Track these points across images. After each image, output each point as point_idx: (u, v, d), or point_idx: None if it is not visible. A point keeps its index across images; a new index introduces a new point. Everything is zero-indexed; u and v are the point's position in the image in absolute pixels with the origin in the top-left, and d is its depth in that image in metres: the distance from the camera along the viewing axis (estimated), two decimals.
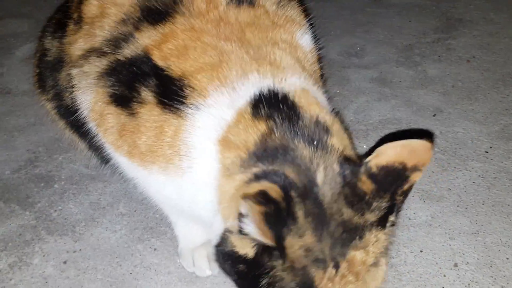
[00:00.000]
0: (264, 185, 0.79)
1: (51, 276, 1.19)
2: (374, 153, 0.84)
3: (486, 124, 1.53)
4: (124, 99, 0.96)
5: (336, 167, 0.83)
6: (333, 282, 0.80)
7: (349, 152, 0.88)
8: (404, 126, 1.54)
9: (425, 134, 0.82)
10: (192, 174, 0.92)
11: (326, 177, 0.82)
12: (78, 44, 1.07)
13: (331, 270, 0.79)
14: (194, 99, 0.90)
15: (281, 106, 0.87)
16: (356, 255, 0.81)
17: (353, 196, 0.82)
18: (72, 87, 1.08)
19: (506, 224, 1.21)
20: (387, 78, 1.76)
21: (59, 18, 1.20)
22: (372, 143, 1.49)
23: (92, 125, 1.07)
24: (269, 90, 0.88)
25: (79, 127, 1.14)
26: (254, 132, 0.85)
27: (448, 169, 1.38)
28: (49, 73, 1.21)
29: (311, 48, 1.07)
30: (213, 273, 1.16)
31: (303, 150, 0.83)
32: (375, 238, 0.83)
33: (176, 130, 0.92)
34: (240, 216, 0.78)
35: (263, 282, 0.82)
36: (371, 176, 0.82)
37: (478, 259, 1.14)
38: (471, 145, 1.46)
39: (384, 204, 0.83)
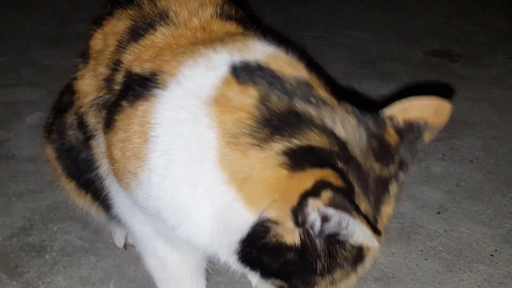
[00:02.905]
0: (318, 172, 0.72)
1: None
2: (399, 105, 0.83)
3: (491, 227, 1.51)
4: (110, 120, 0.93)
5: (351, 120, 0.80)
6: None
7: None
8: (407, 222, 1.52)
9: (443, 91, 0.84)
10: (159, 154, 0.83)
11: (348, 132, 0.79)
12: (86, 80, 1.08)
13: None
14: (163, 80, 0.86)
15: (258, 71, 0.82)
16: (386, 209, 0.79)
17: (380, 149, 0.79)
18: (81, 126, 1.08)
19: None
20: None
21: None
22: None
23: (106, 165, 1.02)
24: (240, 61, 0.84)
25: (80, 171, 1.13)
26: (247, 96, 0.80)
27: (453, 270, 1.35)
28: (59, 116, 1.21)
29: None
30: None
31: (310, 110, 0.79)
32: (394, 191, 0.81)
33: (143, 115, 0.86)
34: (300, 210, 0.72)
35: (319, 264, 0.78)
36: (398, 130, 0.81)
37: None
38: (476, 246, 1.43)
39: (399, 158, 0.81)
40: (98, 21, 1.13)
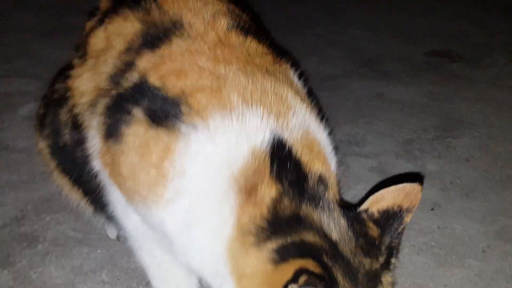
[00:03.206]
0: (298, 262, 0.77)
1: None
2: (371, 199, 0.87)
3: (484, 224, 1.50)
4: (115, 127, 0.93)
5: (343, 222, 0.84)
6: None
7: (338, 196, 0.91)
8: None
9: (412, 178, 0.91)
10: (181, 208, 0.86)
11: (340, 233, 0.82)
12: (83, 80, 1.06)
13: None
14: (192, 118, 0.85)
15: (288, 165, 0.85)
16: None
17: (367, 245, 0.83)
18: (76, 126, 1.07)
19: None
20: (387, 169, 1.76)
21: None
22: None
23: (100, 167, 1.03)
24: (277, 142, 0.86)
25: (74, 169, 1.12)
26: (268, 193, 0.83)
27: (445, 264, 1.35)
28: (52, 110, 1.20)
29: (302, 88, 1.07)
30: None
31: (313, 215, 0.83)
32: (387, 280, 0.84)
33: (165, 149, 0.86)
34: None
35: None
36: (375, 221, 0.85)
37: None
38: (468, 242, 1.43)
39: (386, 246, 0.85)
40: (95, 14, 1.12)
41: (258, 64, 0.96)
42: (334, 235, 0.82)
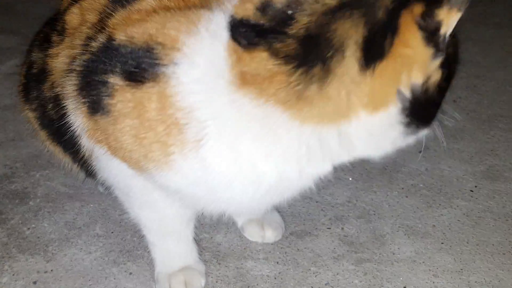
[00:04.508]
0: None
1: None
2: None
3: (471, 164, 1.53)
4: (97, 102, 0.87)
5: None
6: None
7: None
8: (389, 161, 1.53)
9: None
10: (212, 143, 0.80)
11: None
12: (60, 58, 1.03)
13: None
14: (169, 56, 0.80)
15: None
16: None
17: None
18: (59, 104, 1.04)
19: (490, 264, 1.19)
20: None
21: (47, 32, 1.18)
22: (358, 175, 1.47)
23: (88, 142, 1.00)
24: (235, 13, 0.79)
25: (62, 138, 1.11)
26: (261, 60, 0.75)
27: (433, 205, 1.37)
28: (34, 85, 1.17)
29: None
30: None
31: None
32: None
33: (161, 98, 0.80)
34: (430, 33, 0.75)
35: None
36: None
37: None
38: (456, 183, 1.45)
39: None
40: None
41: None
42: None
